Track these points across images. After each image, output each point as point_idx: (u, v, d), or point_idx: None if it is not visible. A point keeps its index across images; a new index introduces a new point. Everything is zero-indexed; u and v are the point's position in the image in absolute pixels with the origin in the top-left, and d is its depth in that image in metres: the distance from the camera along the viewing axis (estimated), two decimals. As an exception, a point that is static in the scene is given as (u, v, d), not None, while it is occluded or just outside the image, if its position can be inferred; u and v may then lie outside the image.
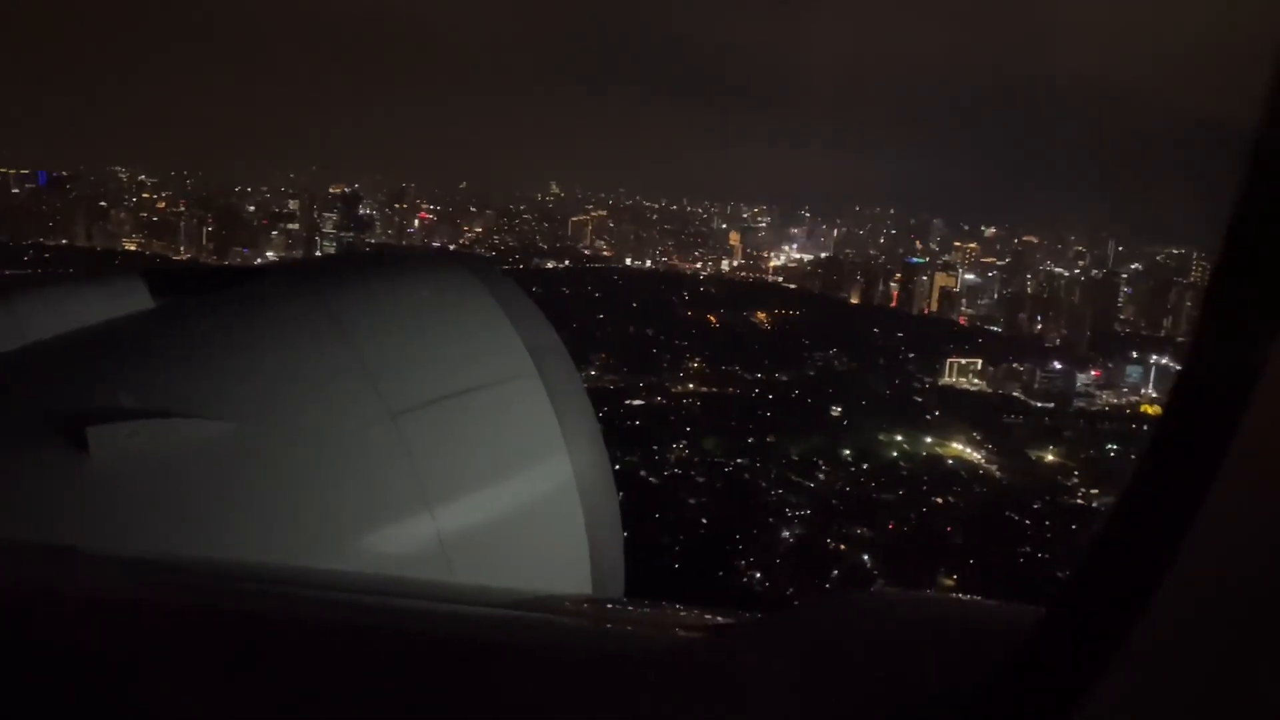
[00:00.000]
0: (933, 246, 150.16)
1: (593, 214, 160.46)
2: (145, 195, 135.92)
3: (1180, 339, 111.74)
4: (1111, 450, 79.26)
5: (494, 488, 3.06)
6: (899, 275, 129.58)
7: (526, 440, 3.12)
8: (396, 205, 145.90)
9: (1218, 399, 0.96)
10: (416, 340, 3.19)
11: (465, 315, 3.29)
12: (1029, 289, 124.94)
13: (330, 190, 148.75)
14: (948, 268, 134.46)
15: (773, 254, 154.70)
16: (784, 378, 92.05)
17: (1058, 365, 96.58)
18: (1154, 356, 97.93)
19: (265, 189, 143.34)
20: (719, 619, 1.93)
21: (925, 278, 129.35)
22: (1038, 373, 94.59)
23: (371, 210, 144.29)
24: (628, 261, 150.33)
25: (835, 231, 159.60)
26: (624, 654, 1.78)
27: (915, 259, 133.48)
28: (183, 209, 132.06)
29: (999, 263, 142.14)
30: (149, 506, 2.64)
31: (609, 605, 2.96)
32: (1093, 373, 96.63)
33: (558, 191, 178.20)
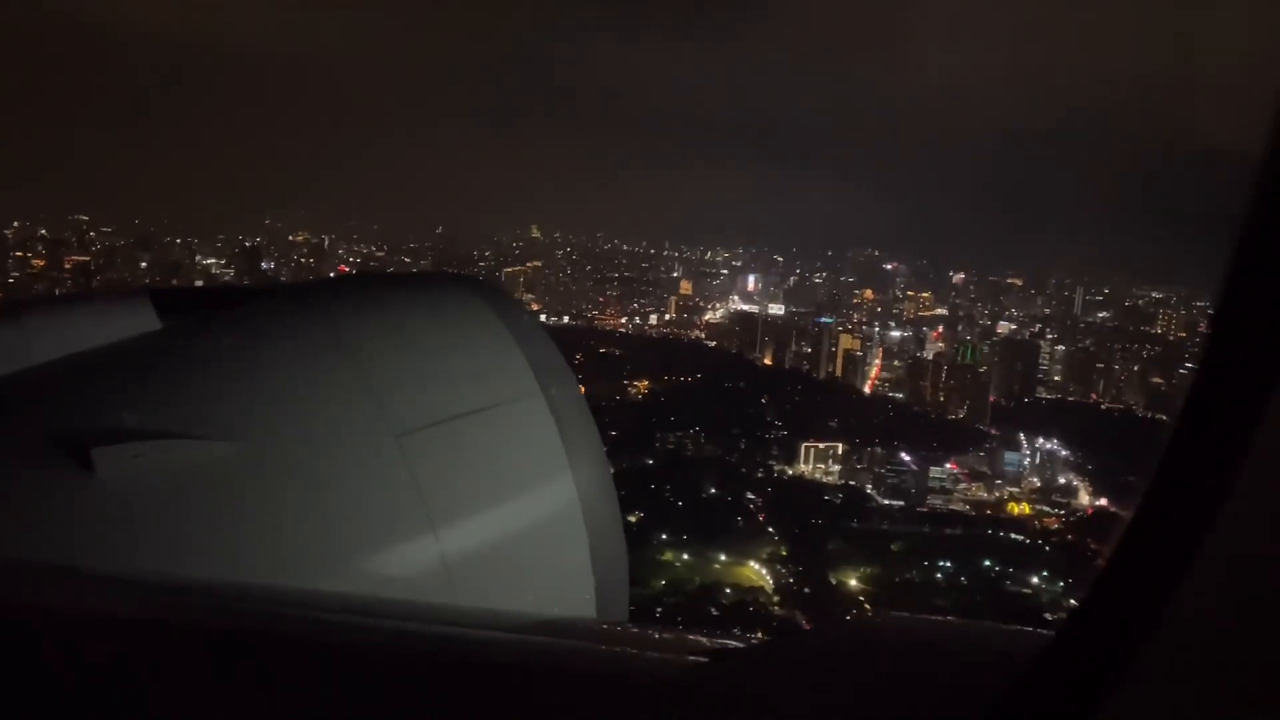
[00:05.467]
0: (897, 294, 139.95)
1: (529, 265, 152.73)
2: (17, 254, 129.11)
3: (1107, 407, 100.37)
4: (941, 571, 67.71)
5: (498, 509, 3.07)
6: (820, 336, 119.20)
7: (531, 461, 3.14)
8: (306, 259, 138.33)
9: (1224, 424, 0.95)
10: (421, 361, 3.20)
11: (470, 336, 3.31)
12: (931, 353, 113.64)
13: (291, 238, 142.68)
14: (861, 325, 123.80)
15: (714, 306, 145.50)
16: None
17: (905, 456, 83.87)
18: (1041, 440, 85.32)
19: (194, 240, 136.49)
20: (726, 643, 1.92)
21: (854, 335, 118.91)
22: (884, 466, 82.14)
23: (272, 263, 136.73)
24: (543, 318, 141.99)
25: (791, 280, 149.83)
26: (629, 678, 1.75)
27: (824, 318, 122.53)
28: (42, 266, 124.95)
29: (940, 312, 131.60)
30: (154, 527, 2.67)
31: (614, 628, 2.93)
32: (949, 465, 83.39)
33: (537, 235, 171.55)
